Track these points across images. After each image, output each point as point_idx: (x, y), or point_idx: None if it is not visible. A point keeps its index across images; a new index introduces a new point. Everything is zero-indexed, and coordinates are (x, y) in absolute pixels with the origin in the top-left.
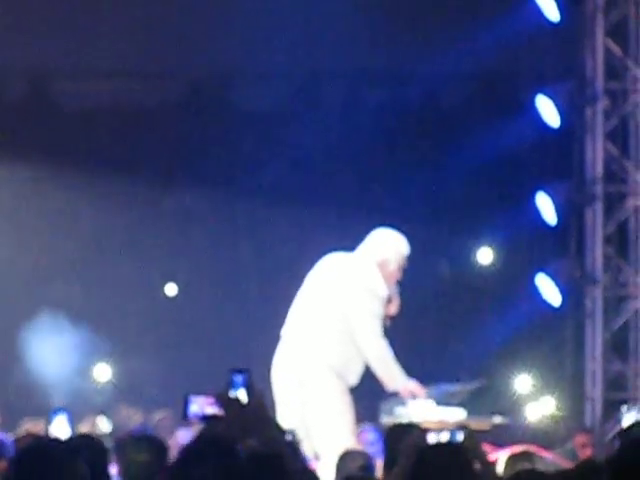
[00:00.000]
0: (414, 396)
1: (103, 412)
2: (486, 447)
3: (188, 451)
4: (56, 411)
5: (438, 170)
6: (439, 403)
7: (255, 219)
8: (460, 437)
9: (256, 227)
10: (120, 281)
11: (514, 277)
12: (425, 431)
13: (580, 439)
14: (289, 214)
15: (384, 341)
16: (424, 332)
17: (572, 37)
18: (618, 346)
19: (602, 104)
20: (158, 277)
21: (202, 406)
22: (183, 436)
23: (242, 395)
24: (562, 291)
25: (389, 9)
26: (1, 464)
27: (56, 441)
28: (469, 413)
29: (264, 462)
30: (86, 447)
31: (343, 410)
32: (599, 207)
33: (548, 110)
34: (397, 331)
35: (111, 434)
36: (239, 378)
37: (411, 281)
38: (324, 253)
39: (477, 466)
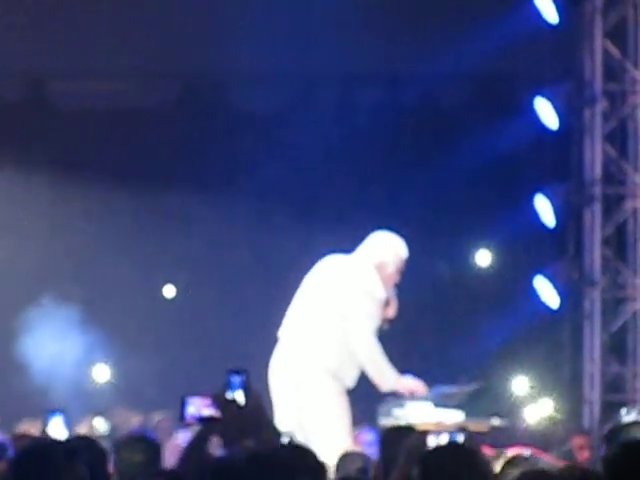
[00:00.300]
0: (412, 392)
1: (100, 414)
2: (484, 449)
3: None
4: (53, 412)
5: (437, 172)
6: (437, 405)
7: (253, 220)
8: (460, 439)
9: (254, 228)
10: (119, 282)
11: (512, 279)
12: (423, 433)
13: (578, 441)
14: (288, 215)
15: (375, 341)
16: (422, 334)
17: (571, 39)
18: (616, 348)
19: (601, 106)
20: (157, 278)
21: (199, 408)
22: (183, 438)
23: (239, 396)
24: (560, 293)
25: (388, 11)
26: (1, 465)
27: (55, 442)
28: (467, 415)
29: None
30: (85, 449)
31: (340, 413)
32: (597, 209)
33: (547, 112)
34: (395, 332)
35: (109, 436)
36: (237, 379)
37: (410, 282)
38: (322, 254)
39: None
